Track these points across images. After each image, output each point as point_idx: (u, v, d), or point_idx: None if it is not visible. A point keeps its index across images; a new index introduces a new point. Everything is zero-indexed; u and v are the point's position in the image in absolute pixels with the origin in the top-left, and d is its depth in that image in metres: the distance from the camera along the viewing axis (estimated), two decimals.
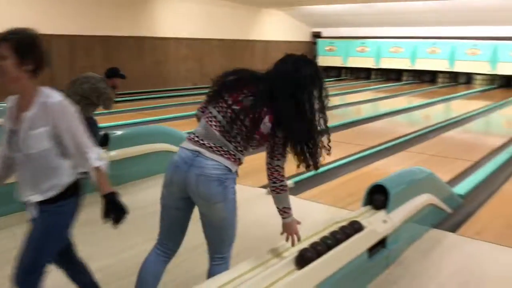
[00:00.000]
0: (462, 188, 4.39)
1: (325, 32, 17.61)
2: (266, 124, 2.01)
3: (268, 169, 2.13)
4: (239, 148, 2.06)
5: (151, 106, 9.60)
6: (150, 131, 5.05)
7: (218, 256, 2.17)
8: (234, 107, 2.02)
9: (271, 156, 2.10)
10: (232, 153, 2.04)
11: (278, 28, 16.25)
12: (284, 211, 2.22)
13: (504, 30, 13.97)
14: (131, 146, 4.59)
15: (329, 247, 2.31)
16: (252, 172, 4.92)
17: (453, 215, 3.79)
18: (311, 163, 2.13)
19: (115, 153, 4.41)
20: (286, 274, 2.16)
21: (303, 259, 2.19)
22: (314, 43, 17.70)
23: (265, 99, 2.01)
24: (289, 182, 4.46)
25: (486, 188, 4.52)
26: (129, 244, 3.22)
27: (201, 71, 13.63)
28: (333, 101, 10.86)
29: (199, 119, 2.21)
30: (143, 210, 3.88)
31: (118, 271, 2.85)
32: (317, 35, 17.75)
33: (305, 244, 2.33)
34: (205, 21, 13.60)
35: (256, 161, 5.69)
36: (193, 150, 2.05)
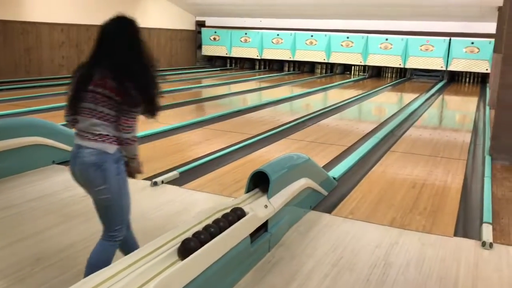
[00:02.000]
0: (337, 171, 4.70)
1: (209, 21, 17.62)
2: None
3: (120, 124, 2.20)
4: (112, 120, 2.19)
5: (22, 96, 8.85)
6: (20, 124, 4.65)
7: (108, 234, 2.31)
8: (92, 88, 2.21)
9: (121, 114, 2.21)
10: (105, 133, 2.19)
11: (161, 16, 15.88)
12: (134, 158, 2.33)
13: (374, 24, 15.16)
14: None
15: (212, 235, 2.34)
16: None
17: (329, 197, 4.05)
18: (154, 108, 2.35)
19: None
20: (168, 266, 2.14)
21: (186, 249, 2.19)
22: (199, 32, 17.64)
23: (105, 64, 2.21)
24: (174, 173, 4.45)
25: (358, 171, 4.90)
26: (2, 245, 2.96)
27: (79, 59, 12.85)
28: (219, 90, 11.03)
29: (69, 123, 2.35)
30: (15, 208, 3.60)
31: None
32: (201, 24, 17.69)
33: (188, 234, 2.33)
34: (83, 6, 12.82)
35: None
36: (76, 144, 2.24)
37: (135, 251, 2.23)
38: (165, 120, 7.18)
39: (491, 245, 3.20)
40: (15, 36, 11.22)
